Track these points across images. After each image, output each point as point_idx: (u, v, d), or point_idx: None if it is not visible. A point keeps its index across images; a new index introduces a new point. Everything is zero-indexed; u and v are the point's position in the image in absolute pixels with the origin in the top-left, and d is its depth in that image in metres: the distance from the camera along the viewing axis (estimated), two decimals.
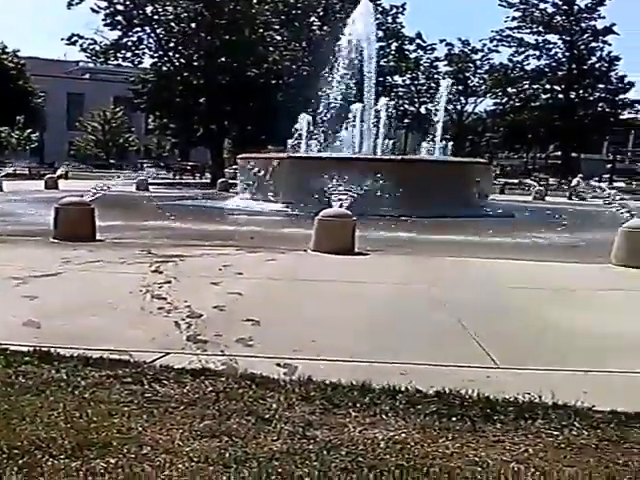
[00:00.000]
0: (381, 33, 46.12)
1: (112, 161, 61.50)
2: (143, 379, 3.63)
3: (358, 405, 3.35)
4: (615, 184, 45.19)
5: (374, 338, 4.82)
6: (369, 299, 6.23)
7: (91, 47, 41.27)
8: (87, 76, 76.55)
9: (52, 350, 4.03)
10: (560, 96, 58.20)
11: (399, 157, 20.96)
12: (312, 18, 44.98)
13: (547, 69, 58.54)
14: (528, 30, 57.94)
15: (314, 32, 43.84)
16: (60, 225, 9.58)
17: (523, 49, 58.60)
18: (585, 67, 57.14)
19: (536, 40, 58.27)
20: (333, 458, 2.77)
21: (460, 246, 10.75)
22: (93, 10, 39.45)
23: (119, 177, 18.43)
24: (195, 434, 2.97)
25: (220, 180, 30.41)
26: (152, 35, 41.56)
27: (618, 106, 58.02)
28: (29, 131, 58.63)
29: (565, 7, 56.22)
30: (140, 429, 2.99)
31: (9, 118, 51.82)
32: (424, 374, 3.92)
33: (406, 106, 59.72)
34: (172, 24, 40.91)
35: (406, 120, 57.45)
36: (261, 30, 41.07)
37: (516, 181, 37.52)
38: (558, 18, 56.75)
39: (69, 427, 2.96)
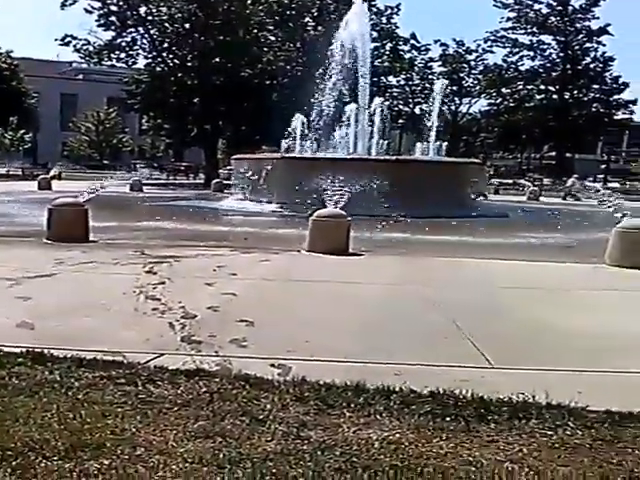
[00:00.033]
0: (375, 34, 46.23)
1: (106, 162, 61.35)
2: (137, 380, 3.62)
3: (352, 405, 3.35)
4: (609, 184, 45.35)
5: (368, 338, 4.82)
6: (363, 299, 6.23)
7: (85, 48, 41.23)
8: (80, 77, 76.40)
9: (45, 351, 4.02)
10: (554, 96, 58.43)
11: (393, 157, 21.01)
12: (306, 19, 45.02)
13: (541, 70, 58.76)
14: (522, 31, 58.20)
15: (308, 33, 43.86)
16: (53, 226, 9.55)
17: (517, 50, 58.82)
18: (579, 67, 57.37)
19: (530, 41, 58.56)
20: (327, 458, 2.77)
21: (454, 246, 10.77)
22: (87, 11, 39.48)
23: (112, 178, 18.37)
24: (189, 435, 2.96)
25: (214, 181, 30.38)
26: (146, 36, 41.51)
27: (612, 106, 58.26)
28: (22, 132, 58.53)
29: (559, 8, 56.44)
30: (134, 430, 2.98)
31: (2, 119, 51.72)
32: (418, 374, 3.92)
33: (400, 106, 59.85)
34: (166, 25, 40.87)
35: (400, 120, 57.61)
36: (255, 30, 41.09)
37: (510, 181, 37.63)
38: (552, 19, 56.97)
39: (63, 428, 2.95)
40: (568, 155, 59.80)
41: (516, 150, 69.88)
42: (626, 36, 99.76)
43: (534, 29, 57.75)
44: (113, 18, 40.12)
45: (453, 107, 61.67)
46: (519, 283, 7.24)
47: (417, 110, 58.15)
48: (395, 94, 59.50)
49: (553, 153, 63.13)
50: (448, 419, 3.22)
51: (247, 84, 39.59)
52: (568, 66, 57.35)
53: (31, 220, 12.48)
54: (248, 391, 3.51)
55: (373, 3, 48.78)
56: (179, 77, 41.16)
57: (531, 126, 57.40)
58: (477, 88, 62.26)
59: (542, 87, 59.38)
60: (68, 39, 40.69)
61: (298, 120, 20.90)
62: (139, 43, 41.96)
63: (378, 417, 3.23)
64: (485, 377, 3.97)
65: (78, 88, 74.76)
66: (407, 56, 59.23)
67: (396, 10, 54.81)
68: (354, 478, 2.63)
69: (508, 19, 57.70)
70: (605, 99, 57.99)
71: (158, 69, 42.76)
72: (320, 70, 21.74)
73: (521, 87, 59.99)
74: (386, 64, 55.66)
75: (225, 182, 27.22)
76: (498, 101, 61.13)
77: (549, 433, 3.11)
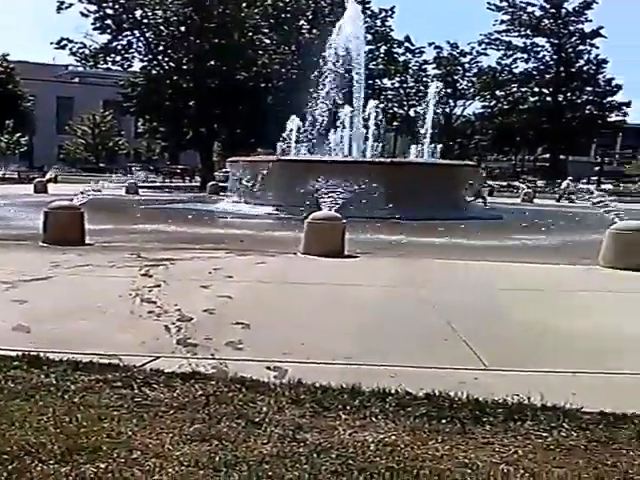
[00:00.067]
0: (370, 36, 46.38)
1: (102, 165, 61.21)
2: (133, 383, 3.62)
3: (348, 408, 3.36)
4: (603, 186, 45.54)
5: (364, 340, 4.83)
6: (359, 302, 6.24)
7: (80, 51, 41.18)
8: (76, 80, 76.35)
9: (41, 354, 4.01)
10: (548, 99, 58.63)
11: (388, 160, 21.03)
12: (301, 22, 45.06)
13: (535, 72, 58.96)
14: (516, 33, 58.41)
15: (303, 35, 43.91)
16: (49, 229, 9.55)
17: (511, 52, 59.02)
18: (573, 70, 57.59)
19: (524, 43, 58.82)
20: (323, 461, 2.77)
21: (449, 248, 10.79)
22: (82, 14, 39.44)
23: (109, 181, 18.35)
24: (185, 438, 2.96)
25: (210, 183, 30.43)
26: (141, 39, 41.51)
27: (606, 109, 58.46)
28: (18, 135, 58.37)
29: (553, 10, 56.66)
30: (130, 433, 2.99)
31: None
32: (413, 376, 3.93)
33: (395, 109, 59.96)
34: (161, 28, 40.84)
35: (395, 123, 57.67)
36: (250, 34, 41.09)
37: (505, 183, 37.73)
38: (546, 21, 57.18)
39: (59, 432, 2.95)
40: (562, 157, 59.99)
41: (510, 152, 70.07)
42: (619, 38, 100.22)
43: (528, 32, 57.98)
44: (109, 21, 40.11)
45: (447, 109, 61.74)
46: (514, 285, 7.26)
47: (412, 112, 58.30)
48: (390, 96, 59.60)
49: (547, 155, 63.29)
50: (444, 421, 3.23)
51: (242, 87, 39.59)
52: (562, 68, 57.56)
53: (27, 223, 12.46)
54: (244, 394, 3.51)
55: (367, 6, 48.95)
56: (174, 80, 41.13)
57: (525, 128, 57.56)
58: (471, 90, 62.40)
59: (536, 89, 59.56)
60: (64, 42, 40.70)
61: (293, 123, 20.92)
62: (135, 46, 42.00)
63: (374, 419, 3.24)
64: (480, 379, 3.98)
65: (74, 91, 74.72)
66: (401, 59, 59.34)
67: (390, 13, 55.04)
68: None
69: (502, 22, 57.98)
70: (599, 101, 58.20)
71: (154, 72, 42.73)
72: (315, 73, 21.77)
73: (515, 89, 60.17)
74: (381, 67, 55.77)
75: (221, 185, 27.24)
76: (492, 103, 61.30)
77: (544, 435, 3.12)
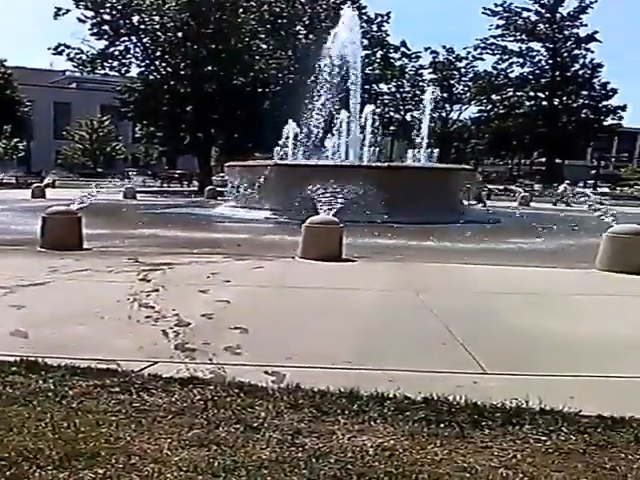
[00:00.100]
0: (366, 41, 46.39)
1: (99, 170, 61.32)
2: (131, 388, 3.61)
3: (346, 412, 3.35)
4: (600, 189, 45.68)
5: (362, 345, 4.83)
6: (357, 306, 6.24)
7: (78, 56, 41.22)
8: (74, 85, 76.37)
9: (39, 360, 4.01)
10: (544, 103, 58.81)
11: (385, 164, 21.07)
12: (298, 27, 45.20)
13: (531, 76, 59.16)
14: (512, 38, 58.63)
15: (300, 41, 44.03)
16: (47, 234, 9.53)
17: (507, 57, 59.24)
18: (568, 74, 57.79)
19: (520, 48, 59.04)
20: (322, 466, 2.77)
21: (447, 252, 10.80)
22: (80, 20, 39.50)
23: (106, 186, 18.37)
24: (184, 443, 2.96)
25: (208, 188, 30.44)
26: (139, 44, 41.56)
27: (601, 113, 58.66)
28: (16, 140, 58.40)
29: (548, 15, 56.91)
30: (128, 439, 2.98)
31: None
32: (412, 380, 3.93)
33: (392, 113, 60.09)
34: (158, 33, 40.90)
35: (392, 127, 57.77)
36: (247, 39, 41.17)
37: (501, 187, 37.84)
38: (541, 26, 57.43)
39: (57, 437, 2.94)
40: (558, 161, 60.15)
41: (507, 156, 70.25)
42: (614, 43, 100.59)
43: (523, 36, 58.22)
44: (106, 27, 40.17)
45: (444, 114, 61.91)
46: (511, 289, 7.28)
47: (408, 117, 58.41)
48: (386, 101, 59.75)
49: (543, 159, 63.47)
50: (442, 425, 3.23)
51: (239, 92, 39.67)
52: (557, 73, 57.77)
53: (25, 228, 12.43)
54: (242, 399, 3.51)
55: (363, 11, 49.06)
56: (172, 85, 41.19)
57: (521, 132, 57.73)
58: (467, 95, 62.62)
59: (532, 94, 59.79)
60: (61, 48, 40.76)
61: (290, 127, 20.96)
62: (132, 52, 42.07)
63: (372, 424, 3.24)
64: (478, 383, 3.98)
65: (71, 97, 74.80)
66: (398, 63, 59.48)
67: (386, 18, 55.18)
68: None
69: (497, 27, 58.25)
70: (594, 105, 58.40)
71: (151, 77, 42.81)
72: (312, 78, 21.82)
73: (511, 94, 60.37)
74: (377, 71, 55.87)
75: (218, 189, 27.26)
76: (488, 108, 61.49)
77: (543, 438, 3.12)
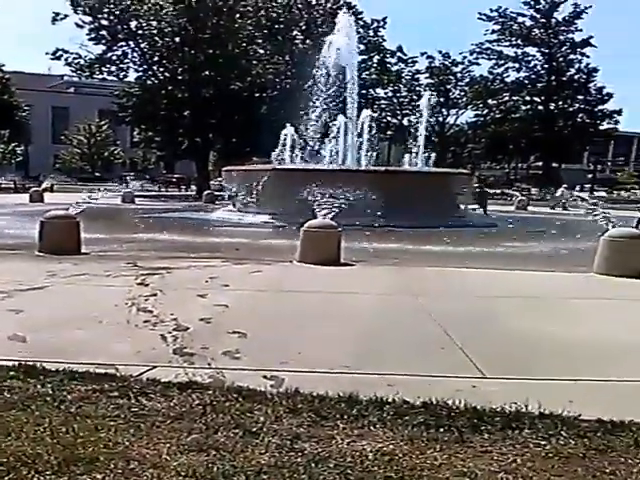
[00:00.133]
0: (363, 46, 46.56)
1: (97, 174, 61.32)
2: (130, 393, 3.60)
3: (346, 417, 3.35)
4: (596, 193, 45.78)
5: (361, 349, 4.83)
6: (355, 310, 6.24)
7: (76, 61, 41.34)
8: (72, 90, 76.47)
9: (38, 364, 3.99)
10: (540, 107, 58.96)
11: (383, 168, 21.09)
12: (295, 32, 45.30)
13: (527, 81, 59.32)
14: (507, 43, 58.81)
15: (297, 46, 44.12)
16: (45, 238, 9.52)
17: (503, 61, 59.38)
18: (564, 79, 57.96)
19: (515, 53, 59.23)
20: (321, 471, 2.76)
21: (445, 256, 10.82)
22: (78, 25, 39.56)
23: (104, 190, 18.37)
24: (182, 448, 2.95)
25: (206, 192, 30.49)
26: (136, 49, 41.65)
27: (597, 117, 58.79)
28: (14, 145, 58.35)
29: (543, 20, 57.10)
30: (127, 444, 2.97)
31: None
32: (411, 385, 3.92)
33: (389, 118, 60.14)
34: (156, 38, 40.98)
35: (389, 132, 57.86)
36: (244, 44, 41.26)
37: (499, 191, 37.93)
38: (536, 31, 57.62)
39: (55, 442, 2.93)
40: (555, 165, 60.26)
41: (503, 160, 70.36)
42: (609, 47, 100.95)
43: (519, 41, 58.39)
44: (104, 32, 40.26)
45: (440, 118, 62.02)
46: (510, 292, 7.28)
47: (405, 122, 58.48)
48: (383, 106, 59.80)
49: (540, 163, 63.60)
50: (442, 430, 3.22)
51: (237, 97, 39.72)
52: (553, 77, 57.93)
53: (23, 233, 12.43)
54: (241, 403, 3.50)
55: (360, 17, 49.24)
56: (169, 90, 41.22)
57: (518, 137, 57.83)
58: (464, 99, 62.70)
59: (528, 98, 59.91)
60: (59, 53, 40.87)
61: (288, 132, 20.99)
62: (130, 57, 42.20)
63: (372, 428, 3.23)
64: (477, 387, 3.98)
65: (69, 101, 74.86)
66: (394, 68, 59.54)
67: (382, 23, 55.32)
68: None
69: (493, 31, 58.41)
70: (590, 109, 58.53)
71: (149, 82, 42.85)
72: (309, 83, 21.86)
73: (507, 98, 60.51)
74: (374, 76, 55.96)
75: (216, 193, 27.29)
76: (485, 112, 61.64)
77: (542, 443, 3.12)
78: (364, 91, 42.86)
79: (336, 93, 21.57)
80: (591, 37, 56.09)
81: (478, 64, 60.44)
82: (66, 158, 69.10)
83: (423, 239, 12.77)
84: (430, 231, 14.05)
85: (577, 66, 57.92)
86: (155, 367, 4.15)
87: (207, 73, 39.96)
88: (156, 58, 42.14)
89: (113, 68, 42.08)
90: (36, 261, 8.75)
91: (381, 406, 3.48)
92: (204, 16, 39.14)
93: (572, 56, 57.85)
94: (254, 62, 42.11)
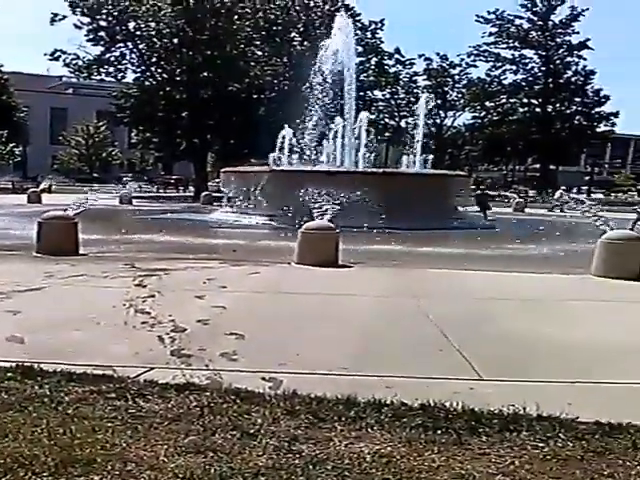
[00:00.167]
0: (360, 48, 46.60)
1: (95, 175, 61.25)
2: (127, 394, 3.59)
3: (344, 419, 3.34)
4: (594, 195, 45.86)
5: (358, 351, 4.82)
6: (353, 312, 6.24)
7: (74, 62, 41.27)
8: (70, 91, 76.41)
9: (35, 365, 3.99)
10: (537, 110, 59.03)
11: (381, 170, 21.10)
12: (293, 34, 45.34)
13: (524, 83, 59.41)
14: (504, 45, 58.90)
15: (295, 47, 44.16)
16: (43, 239, 9.51)
17: (500, 64, 59.48)
18: (561, 81, 58.05)
19: (512, 55, 59.32)
20: (319, 473, 2.76)
21: (442, 258, 10.82)
22: (76, 26, 39.54)
23: (102, 191, 18.36)
24: (180, 450, 2.94)
25: (204, 193, 30.48)
26: (135, 50, 41.64)
27: (594, 119, 58.87)
28: (12, 145, 58.25)
29: (540, 23, 57.20)
30: (124, 445, 2.96)
31: None
32: (409, 387, 3.92)
33: (386, 120, 60.26)
34: (154, 40, 40.97)
35: (387, 134, 57.96)
36: (242, 45, 41.26)
37: (496, 193, 37.98)
38: (534, 33, 57.72)
39: (52, 444, 2.92)
40: (552, 167, 60.33)
41: (501, 162, 70.45)
42: (606, 50, 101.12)
43: (516, 44, 58.50)
44: (102, 33, 40.23)
45: (438, 120, 62.09)
46: (507, 294, 7.29)
47: (403, 123, 58.52)
48: (381, 108, 59.93)
49: (537, 165, 63.69)
50: (439, 432, 3.22)
51: (235, 98, 39.72)
52: (550, 80, 58.00)
53: (21, 233, 12.43)
54: (239, 405, 3.49)
55: (358, 19, 49.29)
56: (168, 91, 41.21)
57: (515, 139, 57.92)
58: (461, 101, 62.85)
59: (525, 100, 60.02)
60: (58, 54, 40.82)
61: (286, 133, 20.99)
62: (128, 58, 42.20)
63: (369, 430, 3.23)
64: (475, 389, 3.98)
65: (68, 102, 74.82)
66: (392, 70, 59.67)
67: (380, 25, 55.46)
68: None
69: (490, 34, 58.50)
70: (587, 112, 58.62)
71: (147, 83, 42.84)
72: (307, 84, 21.87)
73: (504, 100, 60.59)
74: (371, 78, 56.06)
75: (214, 195, 27.28)
76: (482, 114, 61.71)
77: (540, 445, 3.11)
78: (362, 93, 42.93)
79: (334, 95, 21.58)
80: (588, 40, 56.31)
81: (475, 66, 60.68)
82: (64, 159, 69.05)
83: (421, 241, 12.77)
84: (428, 233, 14.06)
85: (574, 68, 58.03)
86: (153, 369, 4.14)
87: (205, 74, 39.95)
88: (154, 59, 42.14)
89: (111, 69, 42.08)
90: (34, 262, 8.73)
91: (379, 408, 3.48)
92: (202, 17, 39.15)
93: (569, 58, 57.98)
94: (252, 64, 42.11)
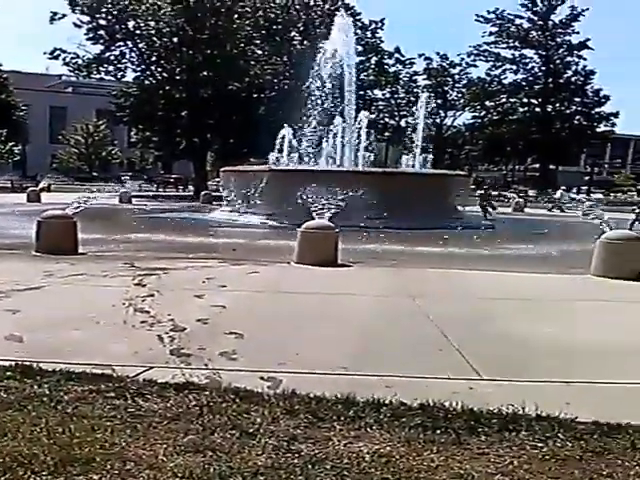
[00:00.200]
0: (361, 48, 46.60)
1: (95, 174, 61.23)
2: (126, 394, 3.60)
3: (343, 418, 3.34)
4: (593, 195, 45.85)
5: (358, 350, 4.82)
6: (353, 311, 6.24)
7: (74, 61, 41.19)
8: (69, 90, 76.35)
9: (34, 364, 3.99)
10: (537, 109, 59.07)
11: (380, 170, 21.09)
12: (293, 33, 45.32)
13: (524, 83, 59.46)
14: (505, 45, 58.97)
15: (295, 47, 44.14)
16: (42, 238, 9.51)
17: (500, 63, 59.53)
18: (561, 81, 58.09)
19: (513, 55, 59.39)
20: (318, 472, 2.76)
21: (442, 258, 10.82)
22: (76, 25, 39.47)
23: (102, 190, 18.36)
24: (179, 449, 2.94)
25: (203, 193, 30.48)
26: (134, 49, 41.58)
27: (594, 119, 58.91)
28: (11, 144, 58.23)
29: (540, 22, 57.24)
30: (123, 444, 2.96)
31: None
32: (408, 386, 3.92)
33: (386, 119, 60.24)
34: (154, 39, 40.91)
35: (386, 133, 57.97)
36: (242, 45, 41.21)
37: (496, 193, 37.98)
38: (534, 33, 57.76)
39: (52, 443, 2.92)
40: (552, 167, 60.36)
41: (501, 162, 70.49)
42: (606, 50, 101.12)
43: (516, 43, 58.56)
44: (102, 32, 40.16)
45: (438, 120, 62.08)
46: (507, 294, 7.29)
47: (403, 123, 58.53)
48: (381, 107, 59.95)
49: (537, 165, 63.68)
50: (438, 432, 3.22)
51: (235, 97, 39.70)
52: (550, 79, 58.06)
53: (20, 232, 12.42)
54: (238, 404, 3.49)
55: (358, 18, 49.30)
56: (167, 90, 41.18)
57: (515, 138, 57.95)
58: (461, 101, 62.91)
59: (525, 100, 60.06)
60: (57, 52, 40.73)
61: (285, 133, 20.98)
62: (128, 57, 42.10)
63: (369, 430, 3.23)
64: (474, 389, 3.98)
65: (67, 101, 74.74)
66: (392, 70, 59.71)
67: (380, 25, 55.49)
68: None
69: (490, 33, 58.59)
70: (587, 112, 58.67)
71: (147, 82, 42.80)
72: (307, 84, 21.86)
73: (504, 100, 60.63)
74: (371, 77, 56.07)
75: (214, 194, 27.28)
76: (482, 114, 61.75)
77: (539, 445, 3.12)
78: (362, 92, 42.93)
79: (334, 94, 21.57)
80: (588, 39, 56.39)
81: (475, 66, 60.77)
82: (63, 158, 68.96)
83: (421, 240, 12.77)
84: (428, 232, 14.06)
85: (574, 68, 58.10)
86: (152, 368, 4.14)
87: (205, 73, 39.92)
88: (154, 58, 42.09)
89: (111, 68, 42.00)
90: (33, 261, 8.73)
91: (378, 408, 3.48)
92: (202, 16, 39.11)
93: (569, 58, 58.03)
94: (252, 63, 42.07)
